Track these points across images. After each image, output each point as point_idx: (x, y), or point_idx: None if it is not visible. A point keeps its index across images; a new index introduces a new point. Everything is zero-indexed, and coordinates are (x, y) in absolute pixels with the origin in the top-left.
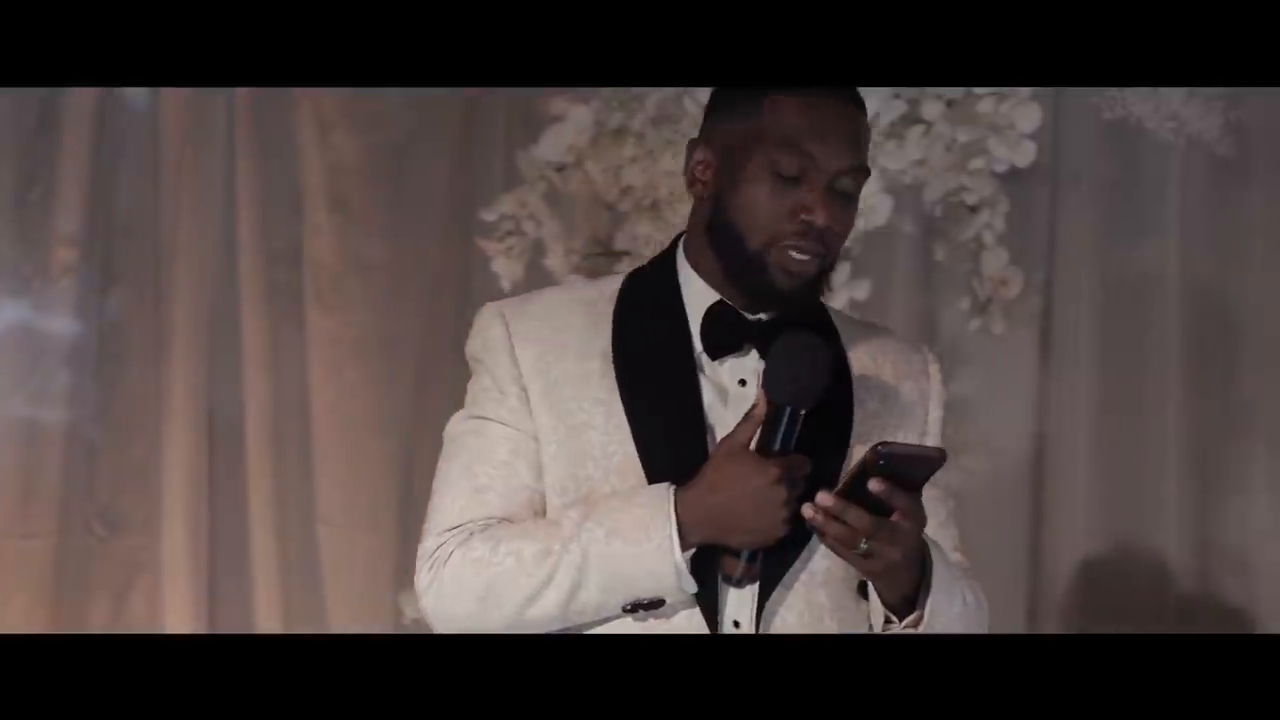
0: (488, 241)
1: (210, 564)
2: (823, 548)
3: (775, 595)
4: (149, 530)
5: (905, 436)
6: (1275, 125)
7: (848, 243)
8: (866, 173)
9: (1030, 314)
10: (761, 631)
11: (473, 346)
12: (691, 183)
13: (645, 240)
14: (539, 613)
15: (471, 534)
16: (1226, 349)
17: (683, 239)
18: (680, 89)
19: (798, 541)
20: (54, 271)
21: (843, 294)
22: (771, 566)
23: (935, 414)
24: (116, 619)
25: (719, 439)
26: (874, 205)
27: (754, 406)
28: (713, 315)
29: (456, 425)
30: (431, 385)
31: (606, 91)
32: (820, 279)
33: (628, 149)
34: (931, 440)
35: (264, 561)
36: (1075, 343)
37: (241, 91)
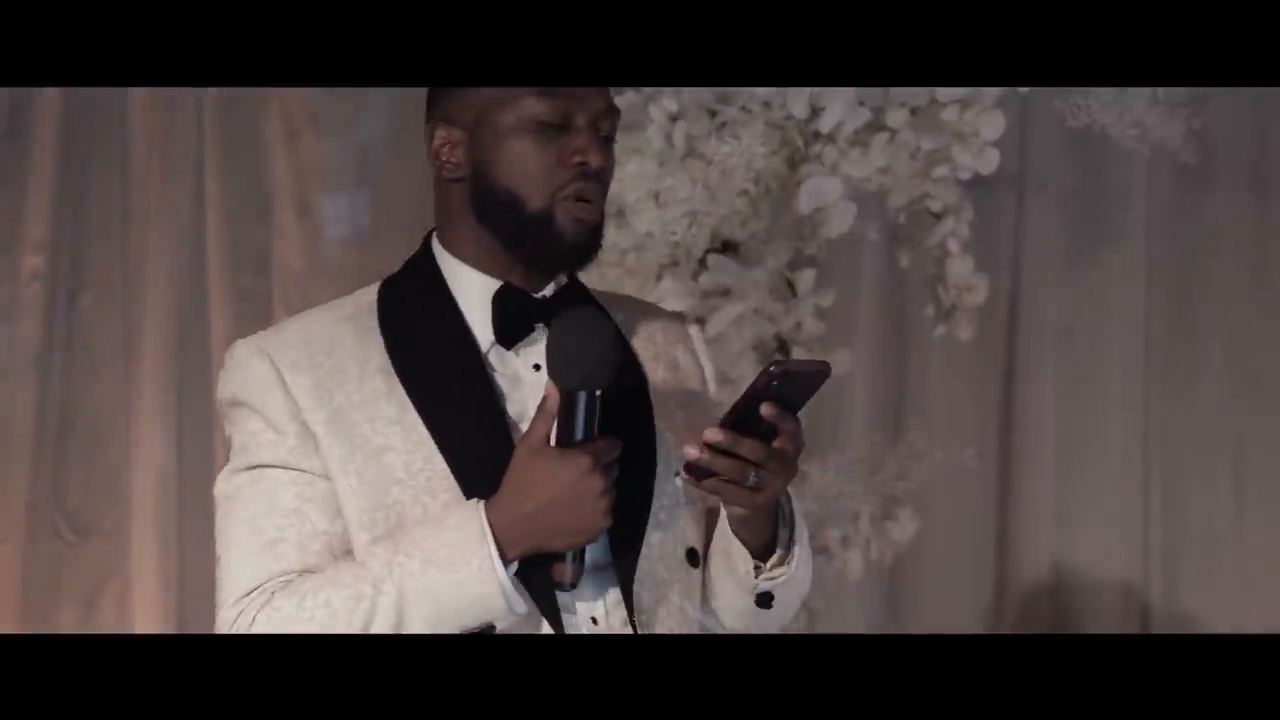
0: None
1: (180, 569)
2: (653, 520)
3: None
4: (118, 535)
5: (692, 401)
6: (1238, 132)
7: (813, 249)
8: (618, 114)
9: (996, 319)
10: (625, 614)
11: (230, 389)
12: (441, 166)
13: (610, 247)
14: None
15: (273, 593)
16: (1191, 353)
17: (434, 234)
18: (646, 95)
19: (640, 518)
20: (23, 277)
21: (808, 300)
22: (625, 550)
23: (709, 369)
24: (86, 624)
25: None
26: (838, 212)
27: (544, 399)
28: (502, 299)
29: (227, 483)
30: None
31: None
32: (601, 227)
33: None
34: (711, 398)
35: None
36: (1040, 347)
37: (210, 98)
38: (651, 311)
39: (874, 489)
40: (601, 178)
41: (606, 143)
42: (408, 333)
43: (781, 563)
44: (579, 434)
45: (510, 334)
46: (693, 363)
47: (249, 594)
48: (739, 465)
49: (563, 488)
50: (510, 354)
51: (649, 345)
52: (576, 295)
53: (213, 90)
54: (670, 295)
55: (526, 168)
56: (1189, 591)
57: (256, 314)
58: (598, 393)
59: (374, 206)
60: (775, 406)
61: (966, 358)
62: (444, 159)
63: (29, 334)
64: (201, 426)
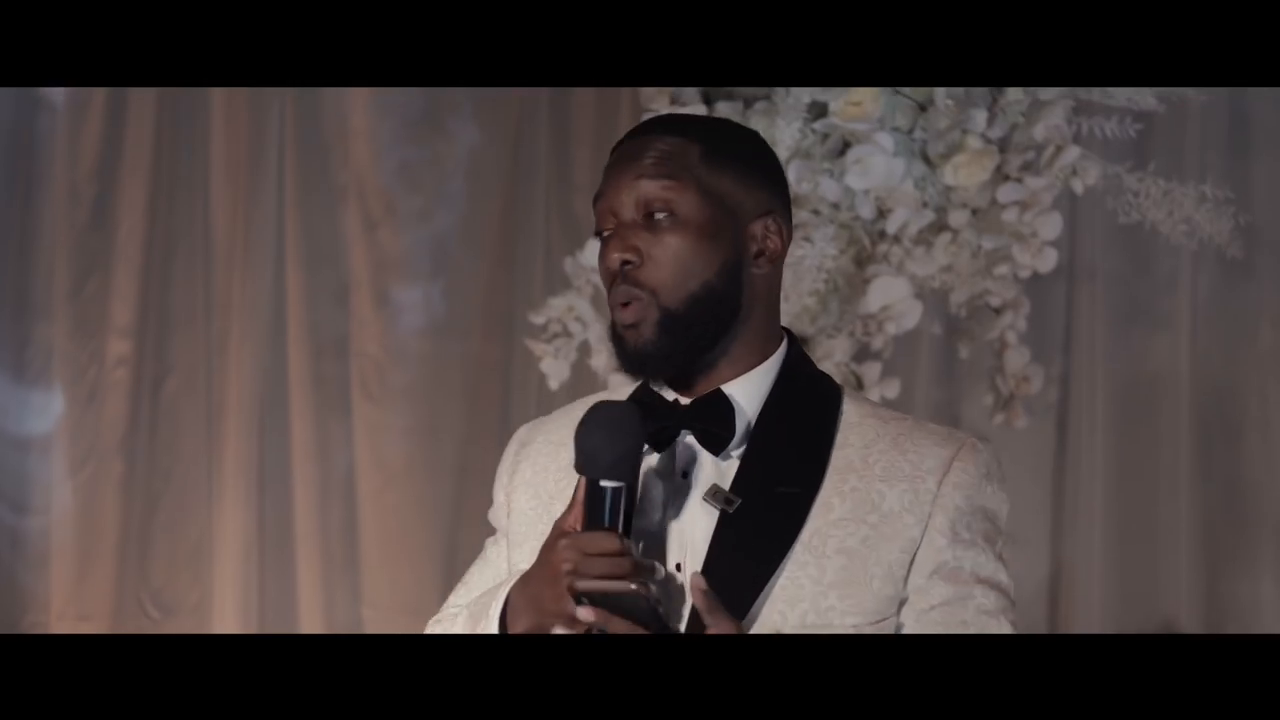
0: (535, 342)
1: None
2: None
3: None
4: (201, 612)
5: (884, 549)
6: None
7: (879, 344)
8: (675, 183)
9: (1047, 405)
10: None
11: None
12: None
13: None
14: None
15: (438, 620)
16: (1233, 436)
17: None
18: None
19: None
20: (109, 361)
21: (874, 392)
22: None
23: (939, 520)
24: None
25: (666, 535)
26: (905, 310)
27: (577, 487)
28: (636, 400)
29: None
30: (472, 473)
31: None
32: (673, 329)
33: None
34: (928, 555)
35: None
36: (1091, 431)
37: (290, 190)
38: (908, 436)
39: None
40: (634, 278)
41: (655, 225)
42: None
43: None
44: (604, 523)
45: (652, 437)
46: (906, 508)
47: (438, 617)
48: (630, 626)
49: (541, 565)
50: (659, 458)
51: (856, 473)
52: (717, 402)
53: (293, 181)
54: None
55: (601, 280)
56: None
57: (335, 398)
58: (612, 485)
59: (448, 296)
60: (596, 613)
61: (1020, 441)
62: None
63: (115, 416)
64: (282, 507)
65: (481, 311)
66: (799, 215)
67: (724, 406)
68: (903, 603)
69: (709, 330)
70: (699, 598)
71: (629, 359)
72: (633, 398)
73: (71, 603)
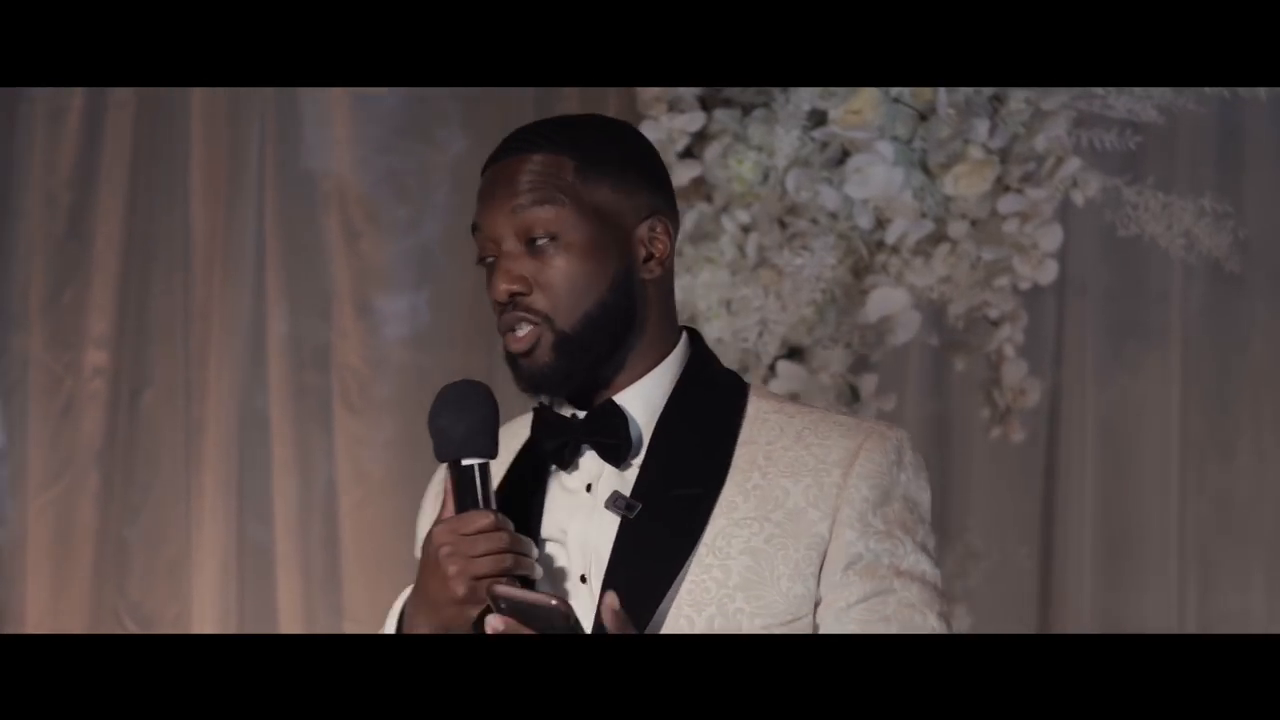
0: None
1: None
2: None
3: None
4: (179, 626)
5: (790, 547)
6: (1274, 236)
7: (877, 356)
8: (553, 207)
9: (1040, 417)
10: None
11: None
12: None
13: None
14: None
15: None
16: (1225, 451)
17: None
18: (718, 206)
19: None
20: (86, 372)
21: (871, 405)
22: None
23: (846, 513)
24: None
25: (570, 548)
26: (904, 321)
27: (446, 480)
28: (537, 417)
29: None
30: None
31: None
32: (571, 351)
33: None
34: (838, 551)
35: None
36: (1082, 444)
37: (271, 200)
38: (824, 429)
39: None
40: (523, 305)
41: (538, 251)
42: (529, 448)
43: None
44: (474, 504)
45: (553, 453)
46: (810, 504)
47: None
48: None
49: (424, 561)
50: (565, 474)
51: (760, 469)
52: (610, 413)
53: (274, 190)
54: None
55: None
56: None
57: (316, 410)
58: (472, 462)
59: (433, 306)
60: (506, 621)
61: (1012, 454)
62: None
63: (92, 428)
64: (261, 520)
65: (465, 322)
66: (798, 225)
67: (617, 418)
68: (818, 603)
69: (606, 346)
70: (610, 618)
71: (526, 382)
72: (536, 412)
73: (47, 616)
